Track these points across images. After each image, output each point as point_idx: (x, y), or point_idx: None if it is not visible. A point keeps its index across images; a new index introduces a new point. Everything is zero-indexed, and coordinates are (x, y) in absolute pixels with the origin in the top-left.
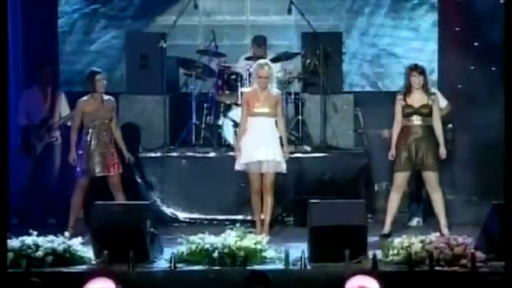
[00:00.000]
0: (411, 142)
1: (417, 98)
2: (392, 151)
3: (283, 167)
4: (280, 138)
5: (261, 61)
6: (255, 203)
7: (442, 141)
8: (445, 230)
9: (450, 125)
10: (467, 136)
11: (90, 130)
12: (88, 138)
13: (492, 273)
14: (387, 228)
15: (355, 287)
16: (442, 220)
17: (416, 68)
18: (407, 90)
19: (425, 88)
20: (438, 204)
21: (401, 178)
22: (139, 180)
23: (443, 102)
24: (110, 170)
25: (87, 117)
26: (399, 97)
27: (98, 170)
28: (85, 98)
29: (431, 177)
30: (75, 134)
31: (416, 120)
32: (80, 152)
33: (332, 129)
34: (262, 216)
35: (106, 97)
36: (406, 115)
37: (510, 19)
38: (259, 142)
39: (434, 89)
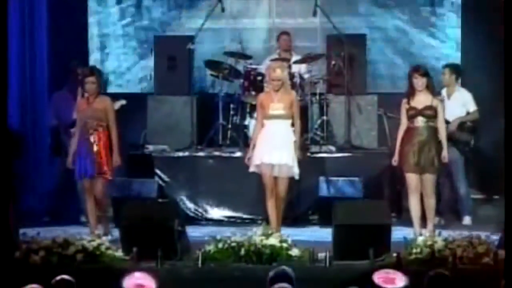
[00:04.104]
0: (416, 143)
1: (421, 100)
2: (396, 156)
3: (295, 172)
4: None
5: (274, 63)
6: (270, 209)
7: (445, 144)
8: (427, 233)
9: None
10: (491, 136)
11: (78, 130)
12: (77, 139)
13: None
14: (417, 231)
15: (382, 279)
16: (430, 227)
17: (418, 70)
18: (411, 92)
19: (429, 89)
20: (429, 209)
21: (413, 180)
22: (167, 179)
23: (473, 107)
24: (96, 173)
25: (78, 117)
26: (404, 100)
27: (84, 172)
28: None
29: (428, 180)
30: (77, 133)
31: (421, 122)
32: (73, 153)
33: (356, 129)
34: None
35: (99, 97)
36: (410, 117)
37: (510, 19)
38: (272, 145)
39: (466, 92)
